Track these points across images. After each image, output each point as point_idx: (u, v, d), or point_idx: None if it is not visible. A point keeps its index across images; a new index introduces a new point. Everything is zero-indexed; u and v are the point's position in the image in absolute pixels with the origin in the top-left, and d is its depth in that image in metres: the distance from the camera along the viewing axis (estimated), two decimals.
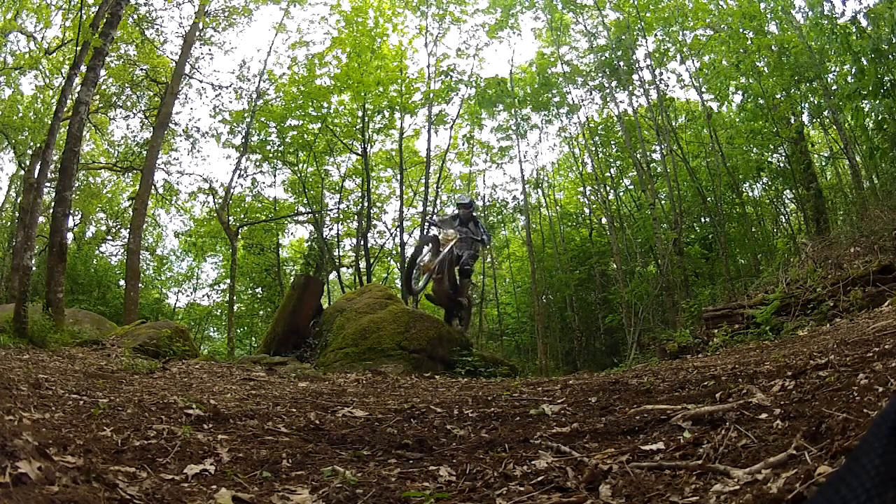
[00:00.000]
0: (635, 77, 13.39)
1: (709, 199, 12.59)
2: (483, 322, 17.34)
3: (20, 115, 14.53)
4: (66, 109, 7.35)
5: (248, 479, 1.28)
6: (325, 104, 14.77)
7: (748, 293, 7.50)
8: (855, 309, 5.07)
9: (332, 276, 16.96)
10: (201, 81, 16.95)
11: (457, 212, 7.91)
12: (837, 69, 9.99)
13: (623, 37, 12.94)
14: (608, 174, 15.49)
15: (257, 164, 15.96)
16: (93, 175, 18.36)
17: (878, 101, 7.21)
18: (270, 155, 15.60)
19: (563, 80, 14.93)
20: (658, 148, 13.20)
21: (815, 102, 11.06)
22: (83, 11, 7.44)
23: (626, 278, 12.69)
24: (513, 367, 7.36)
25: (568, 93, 15.33)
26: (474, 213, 8.07)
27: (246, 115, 15.24)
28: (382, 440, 1.74)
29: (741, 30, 11.19)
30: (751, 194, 13.88)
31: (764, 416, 1.51)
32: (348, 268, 17.61)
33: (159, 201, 18.11)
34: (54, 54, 13.40)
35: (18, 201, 15.57)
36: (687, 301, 9.90)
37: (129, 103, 16.24)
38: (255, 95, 15.40)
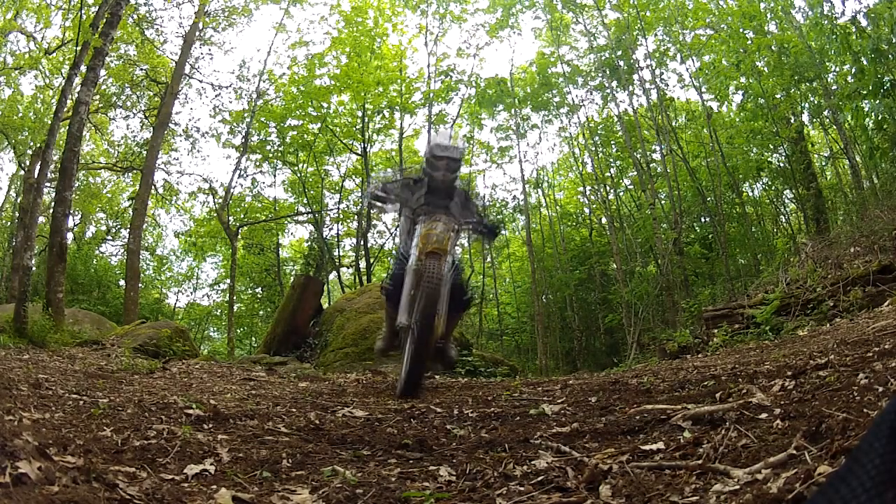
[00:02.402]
0: (635, 77, 13.39)
1: (709, 199, 12.59)
2: (483, 322, 17.35)
3: (20, 115, 14.54)
4: (66, 109, 7.35)
5: (248, 479, 1.28)
6: (325, 104, 14.78)
7: (748, 293, 7.50)
8: (855, 309, 5.07)
9: (332, 276, 16.97)
10: (201, 81, 17.00)
11: (436, 167, 3.70)
12: (837, 69, 10.00)
13: (623, 37, 12.95)
14: (608, 174, 15.49)
15: (257, 164, 15.97)
16: (93, 175, 18.37)
17: (878, 101, 7.21)
18: (270, 155, 15.61)
19: (564, 80, 14.94)
20: (658, 148, 13.21)
21: (815, 102, 11.07)
22: (83, 11, 7.44)
23: (626, 278, 12.69)
24: (513, 367, 7.36)
25: (568, 93, 15.34)
26: (459, 184, 3.97)
27: (246, 115, 15.24)
28: (382, 440, 1.74)
29: (741, 30, 11.19)
30: (751, 194, 13.89)
31: (764, 415, 1.51)
32: (348, 268, 17.62)
33: (159, 201, 18.12)
34: (54, 54, 13.41)
35: (18, 201, 15.58)
36: (687, 301, 9.89)
37: (129, 103, 16.25)
38: (254, 95, 15.41)
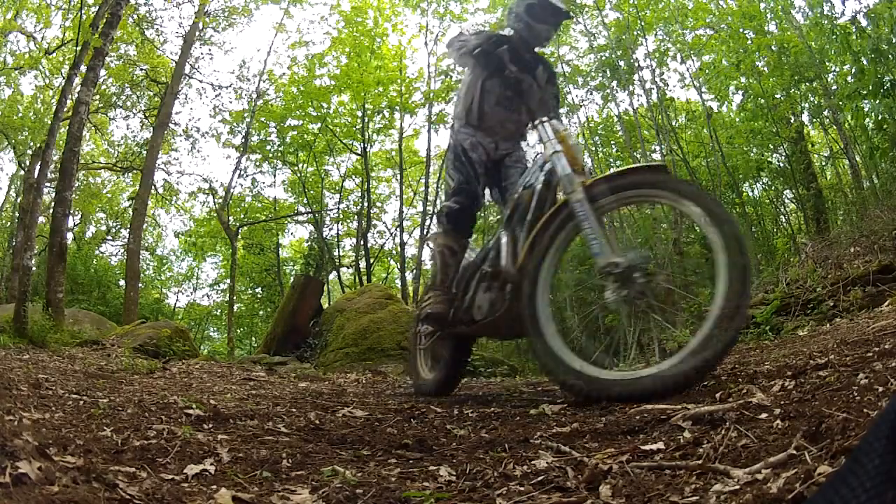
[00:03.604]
0: (635, 77, 13.40)
1: None
2: None
3: (20, 115, 14.56)
4: (66, 109, 7.36)
5: (248, 479, 1.28)
6: (325, 104, 14.79)
7: None
8: (855, 309, 5.06)
9: (332, 276, 16.98)
10: (201, 81, 17.03)
11: (540, 19, 2.85)
12: (837, 69, 10.00)
13: (623, 37, 12.95)
14: None
15: (257, 164, 16.00)
16: (93, 175, 18.40)
17: (878, 101, 7.20)
18: (270, 155, 15.63)
19: (563, 80, 14.94)
20: (658, 148, 13.21)
21: (815, 102, 11.07)
22: (83, 11, 7.44)
23: None
24: (513, 367, 7.35)
25: (568, 93, 15.33)
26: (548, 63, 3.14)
27: (246, 115, 15.27)
28: (382, 440, 1.74)
29: (741, 30, 11.20)
30: (751, 194, 13.88)
31: (764, 415, 1.51)
32: (348, 268, 17.63)
33: (159, 201, 18.14)
34: (54, 54, 13.42)
35: (18, 201, 15.58)
36: (687, 301, 9.88)
37: (129, 103, 16.28)
38: (254, 95, 15.44)
